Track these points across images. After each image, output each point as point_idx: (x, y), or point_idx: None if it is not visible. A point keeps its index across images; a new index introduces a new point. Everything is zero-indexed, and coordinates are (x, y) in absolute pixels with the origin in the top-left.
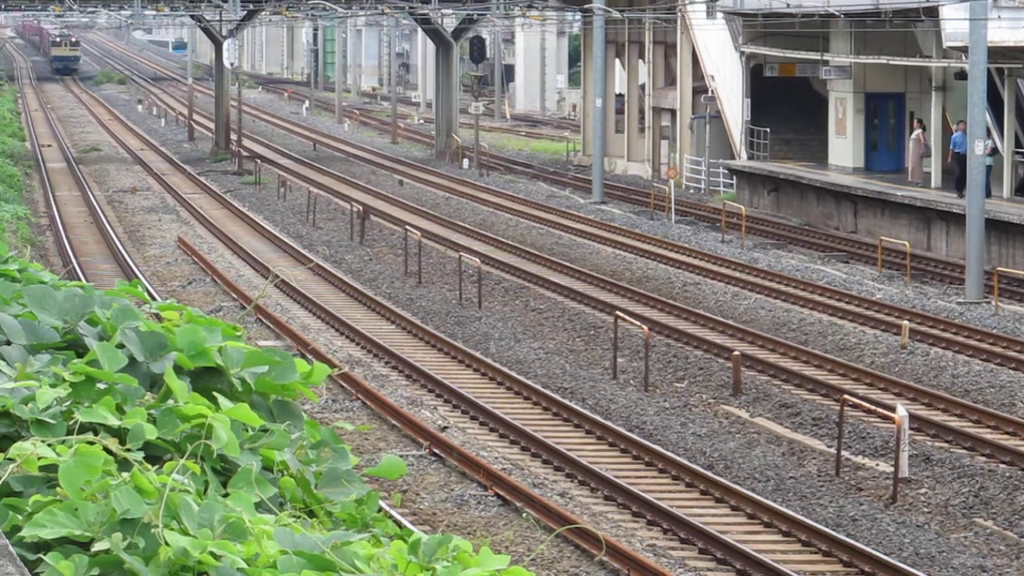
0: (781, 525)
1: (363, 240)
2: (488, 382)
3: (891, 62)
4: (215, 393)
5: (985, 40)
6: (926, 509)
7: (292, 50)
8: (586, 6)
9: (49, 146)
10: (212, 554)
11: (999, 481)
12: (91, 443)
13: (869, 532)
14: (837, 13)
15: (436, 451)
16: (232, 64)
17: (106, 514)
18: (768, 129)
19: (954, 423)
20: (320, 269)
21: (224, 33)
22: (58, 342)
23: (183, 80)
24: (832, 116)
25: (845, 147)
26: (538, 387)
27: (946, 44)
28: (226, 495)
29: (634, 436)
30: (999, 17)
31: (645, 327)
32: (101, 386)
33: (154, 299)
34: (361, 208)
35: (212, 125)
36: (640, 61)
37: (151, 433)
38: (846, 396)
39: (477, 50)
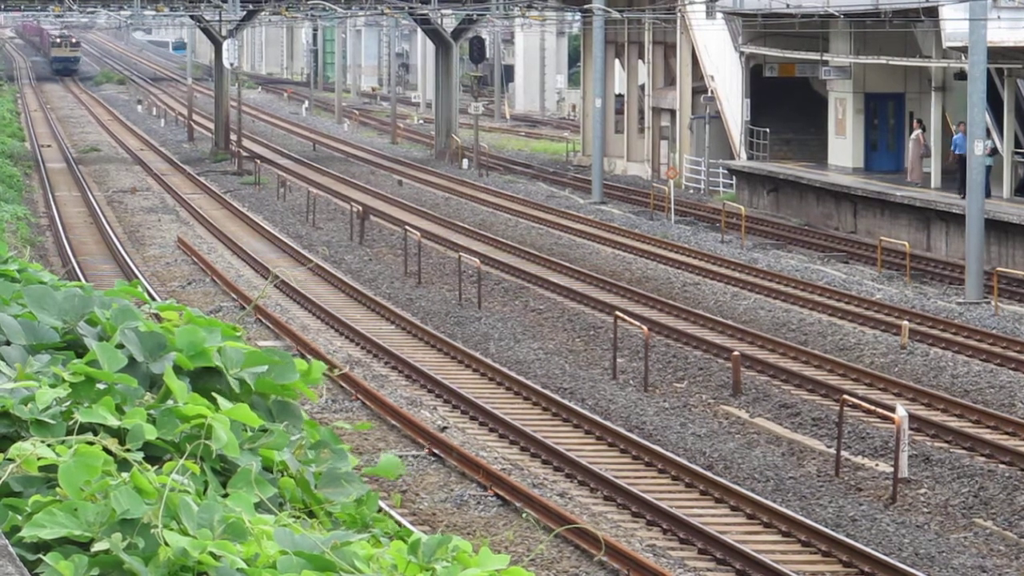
0: (781, 525)
1: (363, 240)
2: (488, 382)
3: (891, 62)
4: (215, 393)
5: (985, 40)
6: (926, 509)
7: (292, 50)
8: (586, 6)
9: (49, 146)
10: (212, 554)
11: (999, 481)
12: (91, 443)
13: (869, 532)
14: (837, 13)
15: (436, 451)
16: (232, 64)
17: (106, 514)
18: (768, 129)
19: (954, 423)
20: (320, 269)
21: (224, 33)
22: (58, 342)
23: (183, 80)
24: (832, 116)
25: (845, 147)
26: (538, 387)
27: (946, 44)
28: (226, 495)
29: (634, 436)
30: (999, 17)
31: (645, 327)
32: (101, 386)
33: (154, 299)
34: (361, 208)
35: (212, 125)
36: (640, 61)
37: (151, 433)
38: (846, 396)
39: (477, 50)
